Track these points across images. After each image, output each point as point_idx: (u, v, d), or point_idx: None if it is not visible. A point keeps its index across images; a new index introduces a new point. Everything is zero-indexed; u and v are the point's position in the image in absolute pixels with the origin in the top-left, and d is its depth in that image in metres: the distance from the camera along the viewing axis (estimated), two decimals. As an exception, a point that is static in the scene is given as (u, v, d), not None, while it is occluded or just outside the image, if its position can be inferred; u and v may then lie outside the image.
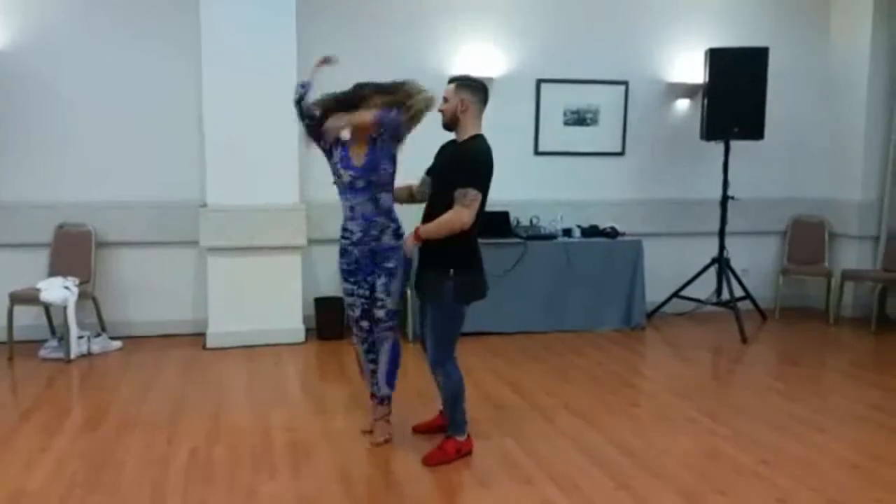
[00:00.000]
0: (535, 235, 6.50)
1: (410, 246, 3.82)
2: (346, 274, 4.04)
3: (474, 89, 3.82)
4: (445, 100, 3.84)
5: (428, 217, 3.80)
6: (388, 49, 6.48)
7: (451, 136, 3.90)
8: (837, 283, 7.16)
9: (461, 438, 3.91)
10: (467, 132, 3.80)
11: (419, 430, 4.20)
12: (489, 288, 3.93)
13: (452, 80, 3.88)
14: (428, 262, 3.83)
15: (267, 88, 5.86)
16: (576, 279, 6.52)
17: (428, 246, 3.79)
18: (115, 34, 6.01)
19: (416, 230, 3.76)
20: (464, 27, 6.63)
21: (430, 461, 3.83)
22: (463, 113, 3.77)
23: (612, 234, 6.76)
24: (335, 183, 4.02)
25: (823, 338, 6.69)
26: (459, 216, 3.64)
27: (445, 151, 3.93)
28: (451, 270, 3.73)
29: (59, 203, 6.00)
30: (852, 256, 7.28)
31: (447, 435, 3.94)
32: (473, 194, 3.64)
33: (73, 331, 5.61)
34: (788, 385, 5.29)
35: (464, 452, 3.90)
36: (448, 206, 3.67)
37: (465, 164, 3.72)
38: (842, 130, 7.34)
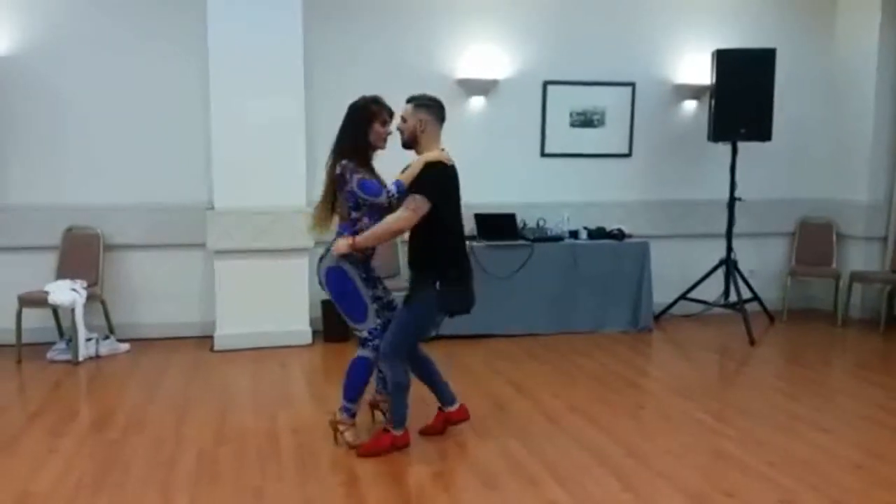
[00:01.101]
0: (542, 237, 6.51)
1: (341, 245, 3.87)
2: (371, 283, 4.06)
3: (431, 108, 3.92)
4: (404, 120, 3.93)
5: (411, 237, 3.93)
6: (394, 49, 6.50)
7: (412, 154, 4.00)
8: (845, 284, 7.13)
9: (398, 433, 3.98)
10: (428, 150, 3.91)
11: (426, 433, 4.21)
12: (476, 302, 4.02)
13: (410, 99, 3.96)
14: (416, 265, 3.95)
15: (274, 89, 5.90)
16: (582, 281, 6.52)
17: (416, 253, 3.93)
18: (121, 36, 6.04)
19: (353, 238, 3.85)
20: (470, 28, 6.64)
21: (362, 451, 3.93)
22: (422, 133, 3.90)
23: (619, 235, 6.75)
24: (371, 209, 3.91)
25: (831, 339, 6.67)
26: (396, 219, 3.81)
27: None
28: (437, 283, 3.83)
29: (67, 206, 6.03)
30: (860, 258, 7.25)
31: (384, 428, 4.01)
32: (419, 200, 3.78)
33: (81, 333, 5.64)
34: (795, 386, 5.28)
35: (399, 446, 3.97)
36: (419, 225, 3.81)
37: (420, 177, 3.84)
38: (848, 131, 7.32)
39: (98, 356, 5.76)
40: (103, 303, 6.03)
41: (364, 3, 6.45)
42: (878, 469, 3.86)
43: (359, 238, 3.84)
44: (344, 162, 3.88)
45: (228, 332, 6.00)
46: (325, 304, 6.33)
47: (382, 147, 4.01)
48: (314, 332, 6.24)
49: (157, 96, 6.12)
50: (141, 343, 6.07)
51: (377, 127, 3.95)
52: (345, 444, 4.04)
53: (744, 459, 3.95)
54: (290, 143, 5.99)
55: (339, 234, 3.94)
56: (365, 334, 3.94)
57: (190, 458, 3.89)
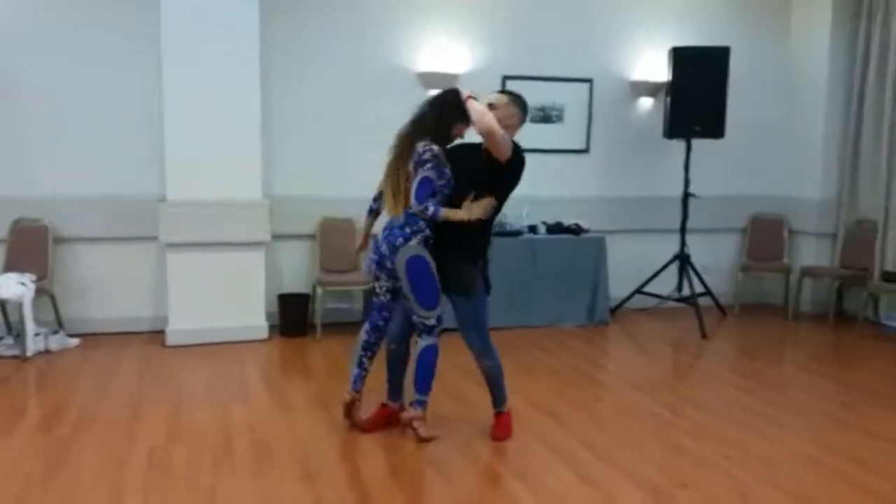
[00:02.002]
0: (501, 232, 6.49)
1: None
2: None
3: (522, 108, 4.06)
4: (493, 107, 3.94)
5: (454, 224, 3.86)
6: (354, 43, 6.45)
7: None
8: (796, 279, 7.28)
9: (507, 408, 4.17)
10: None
11: (368, 429, 4.16)
12: None
13: (505, 92, 4.13)
14: (452, 255, 3.91)
15: (229, 81, 5.80)
16: (540, 275, 6.55)
17: (452, 240, 3.88)
18: (73, 26, 5.88)
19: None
20: (429, 22, 6.60)
21: (502, 436, 4.07)
22: (503, 127, 3.87)
23: (577, 230, 6.79)
24: (436, 199, 3.87)
25: (782, 333, 6.81)
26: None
27: (471, 154, 3.96)
28: (479, 262, 3.99)
29: (16, 197, 5.85)
30: (811, 253, 7.41)
31: (501, 411, 4.14)
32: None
33: (30, 328, 5.48)
34: (748, 380, 5.37)
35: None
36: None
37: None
38: (801, 130, 7.46)
39: (47, 351, 5.61)
40: (52, 297, 5.87)
41: (322, -6, 6.39)
42: (831, 462, 3.93)
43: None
44: (435, 148, 3.84)
45: (181, 326, 5.89)
46: (281, 298, 6.26)
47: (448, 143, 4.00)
48: (270, 327, 6.16)
49: (108, 86, 5.97)
50: (91, 338, 5.93)
51: (460, 126, 3.95)
52: (418, 438, 3.99)
53: (699, 452, 4.00)
54: (246, 135, 5.89)
55: (401, 227, 3.87)
56: (433, 321, 3.91)
57: (142, 456, 3.80)
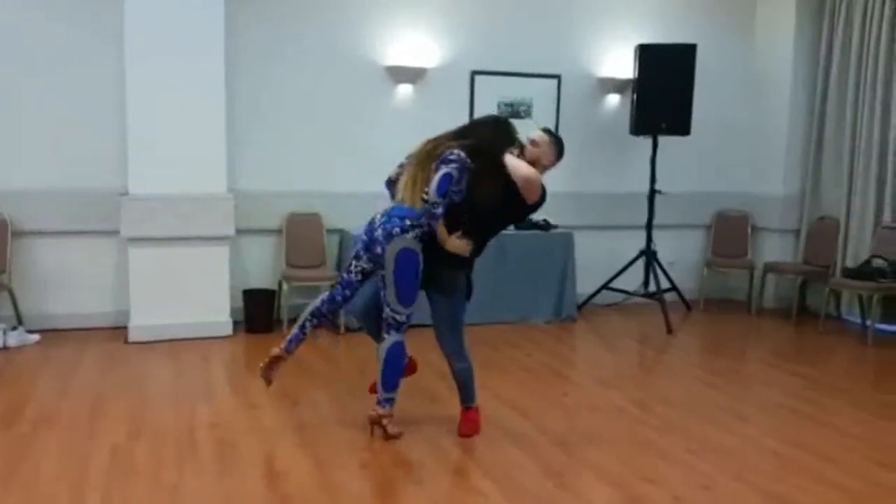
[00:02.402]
0: (468, 227, 6.49)
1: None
2: None
3: (560, 151, 4.06)
4: (536, 144, 3.99)
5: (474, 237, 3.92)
6: (321, 37, 6.39)
7: None
8: (759, 275, 7.37)
9: (476, 404, 4.17)
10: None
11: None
12: None
13: (549, 132, 4.09)
14: (446, 261, 3.89)
15: (193, 73, 5.71)
16: (509, 271, 6.54)
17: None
18: (36, 19, 5.75)
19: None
20: (398, 15, 6.57)
21: (469, 431, 4.07)
22: (538, 164, 3.94)
23: (545, 226, 6.81)
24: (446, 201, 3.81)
25: (746, 328, 6.89)
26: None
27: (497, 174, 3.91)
28: (467, 272, 4.03)
29: (-28, 190, 5.72)
30: (774, 249, 7.51)
31: (469, 406, 4.14)
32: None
33: (-13, 324, 5.38)
34: (712, 374, 5.43)
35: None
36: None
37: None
38: (765, 127, 7.55)
39: (6, 348, 5.49)
40: (11, 292, 5.74)
41: (289, -15, 6.32)
42: (795, 456, 3.98)
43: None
44: (463, 154, 3.80)
45: (144, 322, 5.79)
46: (246, 294, 6.19)
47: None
48: (235, 323, 6.08)
49: (71, 79, 5.85)
50: (51, 334, 5.81)
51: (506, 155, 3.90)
52: (386, 436, 3.95)
53: (664, 447, 4.03)
54: (210, 129, 5.81)
55: (401, 217, 3.83)
56: (403, 318, 3.88)
57: (104, 453, 3.73)
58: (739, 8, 7.57)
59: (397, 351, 3.92)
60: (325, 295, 4.12)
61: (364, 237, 3.95)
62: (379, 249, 3.84)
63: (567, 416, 4.50)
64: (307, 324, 4.10)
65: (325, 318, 4.13)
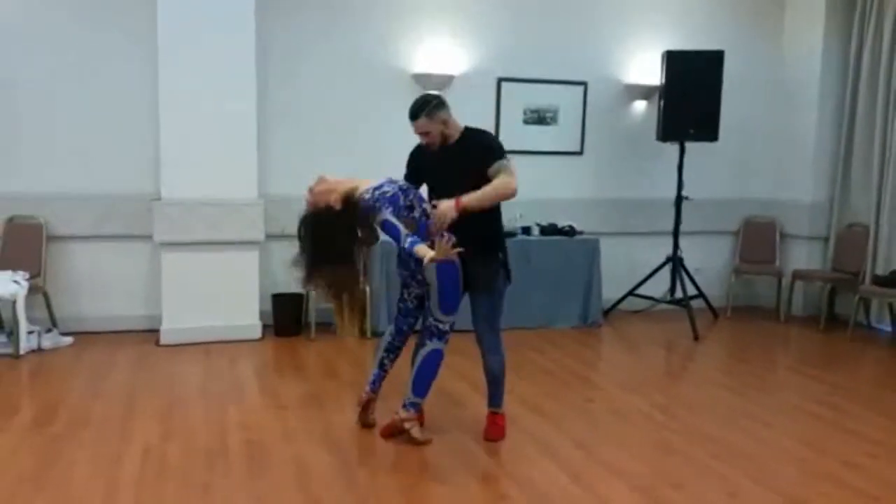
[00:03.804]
0: (494, 233, 6.51)
1: (450, 212, 3.65)
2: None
3: (438, 105, 3.88)
4: (426, 134, 3.89)
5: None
6: (349, 44, 6.47)
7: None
8: (788, 282, 7.32)
9: (503, 410, 4.19)
10: (457, 130, 3.94)
11: (384, 434, 4.12)
12: None
13: (415, 114, 3.87)
14: (477, 252, 3.82)
15: (225, 80, 5.81)
16: (534, 277, 6.56)
17: (475, 237, 3.77)
18: (69, 23, 5.89)
19: (457, 199, 3.66)
20: (426, 23, 6.63)
21: (495, 436, 4.08)
22: (447, 128, 3.89)
23: (571, 232, 6.82)
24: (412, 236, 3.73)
25: (773, 336, 6.84)
26: (509, 182, 3.73)
27: (444, 152, 3.93)
28: (500, 255, 3.96)
29: (10, 195, 5.86)
30: (802, 256, 7.45)
31: (497, 411, 4.15)
32: (511, 163, 3.79)
33: (23, 326, 5.48)
34: (738, 381, 5.40)
35: None
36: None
37: (487, 145, 3.88)
38: (793, 133, 7.50)
39: (40, 349, 5.61)
40: (46, 295, 5.88)
41: (318, -6, 6.41)
42: (819, 462, 3.97)
43: (465, 198, 3.66)
44: (375, 194, 3.75)
45: (175, 326, 5.90)
46: (275, 298, 6.27)
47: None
48: (264, 327, 6.17)
49: (105, 84, 5.98)
50: (85, 336, 5.92)
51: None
52: (414, 441, 3.98)
53: (689, 453, 4.03)
54: (242, 134, 5.91)
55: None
56: (447, 327, 3.93)
57: (136, 454, 3.81)
58: (767, 13, 7.54)
59: (435, 359, 3.96)
60: (391, 328, 4.16)
61: (405, 272, 3.95)
62: (420, 276, 3.88)
63: (592, 421, 4.51)
64: (385, 361, 4.16)
65: (400, 349, 4.17)
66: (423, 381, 3.98)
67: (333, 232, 3.69)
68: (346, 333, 3.93)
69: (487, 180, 3.75)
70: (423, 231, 3.71)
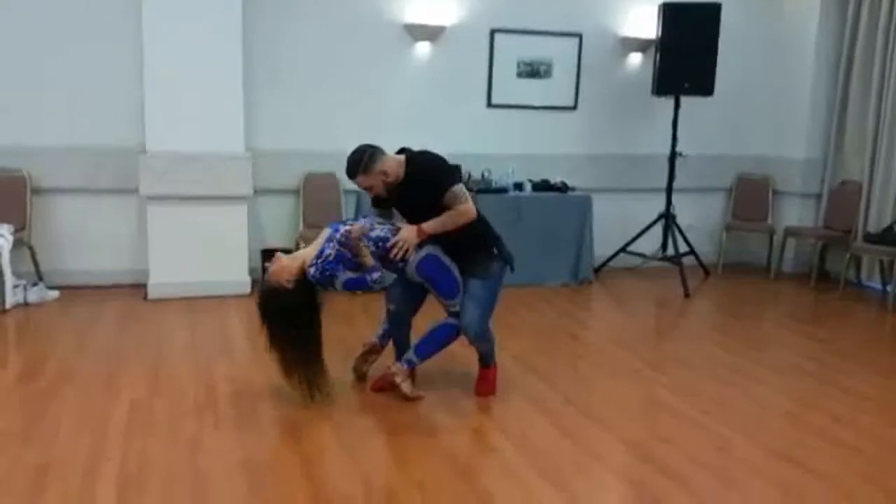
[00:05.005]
0: (487, 189, 6.45)
1: (412, 239, 3.78)
2: None
3: (372, 156, 3.80)
4: (371, 188, 3.88)
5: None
6: (341, -5, 6.32)
7: None
8: (779, 239, 7.30)
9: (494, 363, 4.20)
10: (399, 164, 3.85)
11: (374, 387, 4.14)
12: None
13: (352, 173, 3.84)
14: (468, 247, 3.92)
15: (210, 30, 5.68)
16: (526, 233, 6.48)
17: (466, 235, 3.87)
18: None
19: (419, 226, 3.79)
20: (416, -27, 6.48)
21: (486, 391, 4.10)
22: (388, 175, 3.81)
23: (563, 188, 6.76)
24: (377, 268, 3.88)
25: (764, 292, 6.84)
26: (466, 210, 3.80)
27: (396, 190, 3.89)
28: (494, 250, 3.99)
29: (-9, 147, 5.75)
30: (794, 214, 7.42)
31: (488, 366, 4.15)
32: (463, 189, 3.83)
33: (8, 280, 5.41)
34: (729, 337, 5.41)
35: None
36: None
37: (436, 172, 3.85)
38: (788, 90, 7.41)
39: (26, 304, 5.55)
40: (31, 248, 5.80)
41: (307, -58, 6.24)
42: (808, 416, 3.99)
43: (426, 225, 3.78)
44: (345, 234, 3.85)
45: (162, 280, 5.84)
46: (264, 253, 6.20)
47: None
48: (253, 282, 6.11)
49: (88, 33, 5.83)
50: (71, 291, 5.86)
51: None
52: (405, 397, 3.96)
53: (679, 408, 4.03)
54: (227, 87, 5.79)
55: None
56: (457, 308, 3.93)
57: (123, 408, 3.78)
58: (765, -33, 7.41)
59: (448, 332, 3.98)
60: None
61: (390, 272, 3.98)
62: (401, 263, 3.86)
63: (582, 377, 4.51)
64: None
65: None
66: (428, 345, 3.99)
67: (287, 312, 3.77)
68: (304, 400, 3.89)
69: (436, 210, 3.80)
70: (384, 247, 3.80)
